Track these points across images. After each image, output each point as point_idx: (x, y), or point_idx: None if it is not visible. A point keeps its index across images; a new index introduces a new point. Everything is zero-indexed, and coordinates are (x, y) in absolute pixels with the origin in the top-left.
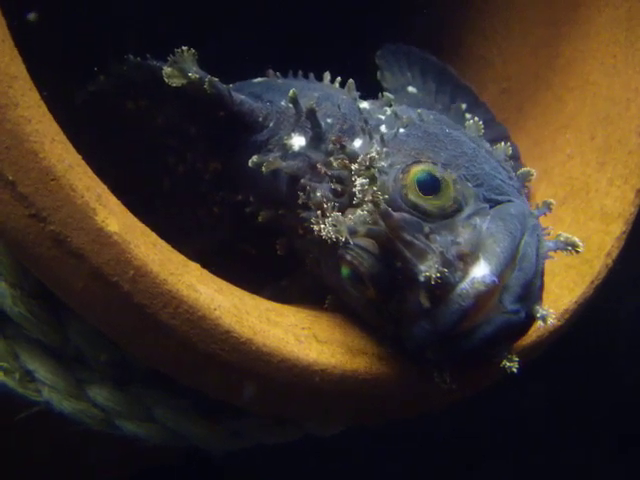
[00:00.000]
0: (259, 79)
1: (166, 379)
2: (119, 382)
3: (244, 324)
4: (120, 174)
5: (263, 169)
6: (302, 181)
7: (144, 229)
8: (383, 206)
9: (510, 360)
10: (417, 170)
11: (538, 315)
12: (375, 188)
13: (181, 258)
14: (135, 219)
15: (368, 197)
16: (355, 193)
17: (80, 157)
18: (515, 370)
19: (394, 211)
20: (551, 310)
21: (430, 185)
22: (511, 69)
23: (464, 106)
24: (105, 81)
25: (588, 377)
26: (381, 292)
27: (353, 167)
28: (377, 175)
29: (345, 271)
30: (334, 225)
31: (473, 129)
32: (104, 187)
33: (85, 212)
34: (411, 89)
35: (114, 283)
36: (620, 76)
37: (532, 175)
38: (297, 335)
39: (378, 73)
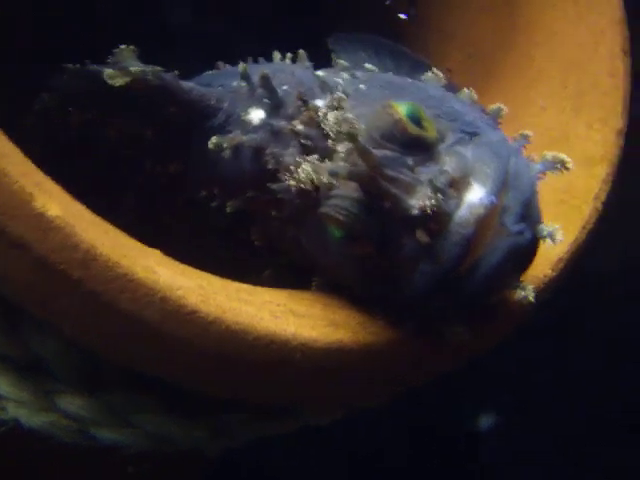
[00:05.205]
0: (209, 72)
1: (139, 379)
2: (89, 389)
3: (211, 303)
4: (86, 195)
5: (225, 146)
6: (267, 151)
7: (95, 219)
8: (360, 141)
9: (524, 289)
10: None
11: (545, 233)
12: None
13: (138, 244)
14: (83, 207)
15: (344, 130)
16: (329, 134)
17: (17, 149)
18: (532, 299)
19: None
20: (557, 225)
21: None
22: (474, 35)
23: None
24: (49, 98)
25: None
26: (374, 244)
27: (320, 113)
28: None
29: (333, 231)
30: (315, 171)
31: (433, 80)
32: (47, 177)
33: (22, 197)
34: (368, 66)
35: (62, 271)
36: (585, 21)
37: (502, 111)
38: (272, 311)
39: (332, 57)
